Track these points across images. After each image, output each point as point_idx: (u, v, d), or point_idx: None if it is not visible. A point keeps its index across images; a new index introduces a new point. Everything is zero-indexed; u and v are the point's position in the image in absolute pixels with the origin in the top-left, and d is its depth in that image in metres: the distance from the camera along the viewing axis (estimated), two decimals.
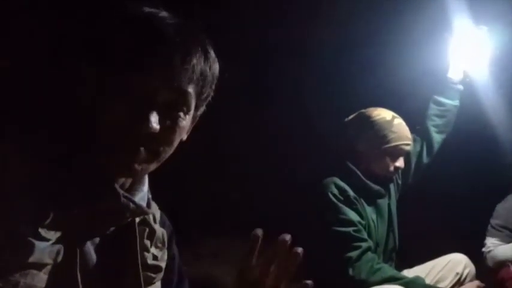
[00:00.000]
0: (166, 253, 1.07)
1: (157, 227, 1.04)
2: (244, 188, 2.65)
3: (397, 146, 2.20)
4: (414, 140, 2.46)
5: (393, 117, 2.24)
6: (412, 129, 2.35)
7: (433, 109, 2.54)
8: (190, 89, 0.88)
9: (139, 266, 0.98)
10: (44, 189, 0.82)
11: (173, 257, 1.12)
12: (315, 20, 2.56)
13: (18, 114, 0.96)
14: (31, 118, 0.92)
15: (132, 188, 0.95)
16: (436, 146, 2.53)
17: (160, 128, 0.86)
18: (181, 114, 0.90)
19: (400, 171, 2.33)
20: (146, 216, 1.01)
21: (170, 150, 0.93)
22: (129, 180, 0.96)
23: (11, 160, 0.83)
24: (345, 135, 2.27)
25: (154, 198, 1.06)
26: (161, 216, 1.09)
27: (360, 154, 2.21)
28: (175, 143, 0.93)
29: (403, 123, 2.26)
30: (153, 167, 0.93)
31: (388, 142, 2.18)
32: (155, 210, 1.07)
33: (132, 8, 0.88)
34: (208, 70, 0.91)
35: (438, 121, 2.54)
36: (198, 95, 0.92)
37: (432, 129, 2.52)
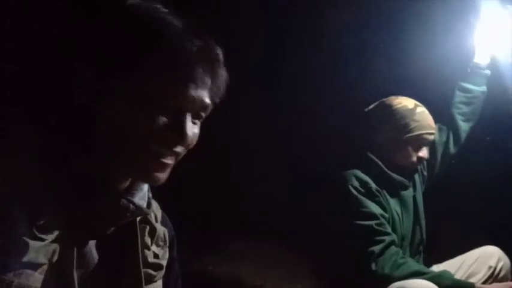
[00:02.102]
0: (167, 252, 1.08)
1: (158, 225, 1.05)
2: (261, 183, 2.62)
3: (419, 135, 2.13)
4: (440, 129, 2.39)
5: (415, 106, 2.17)
6: (437, 118, 2.27)
7: (459, 96, 2.44)
8: (212, 101, 0.92)
9: (141, 264, 0.98)
10: (40, 189, 0.82)
11: (173, 261, 1.12)
12: (328, 9, 2.49)
13: (19, 114, 0.94)
14: (32, 118, 0.92)
15: (133, 188, 0.95)
16: (463, 134, 2.43)
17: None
18: (201, 120, 0.94)
19: (425, 161, 2.26)
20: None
21: None
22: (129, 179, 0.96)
23: (8, 159, 0.83)
24: (366, 126, 2.21)
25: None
26: (163, 216, 1.10)
27: (382, 144, 2.14)
28: None
29: (426, 111, 2.18)
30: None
31: (410, 131, 2.11)
32: (156, 210, 1.08)
33: (148, 17, 0.87)
34: (224, 85, 0.95)
35: (465, 109, 2.44)
36: (213, 103, 0.95)
37: (458, 118, 2.42)
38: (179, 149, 0.90)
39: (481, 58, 2.44)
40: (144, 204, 0.95)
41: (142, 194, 0.96)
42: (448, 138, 2.41)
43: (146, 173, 0.89)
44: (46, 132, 0.88)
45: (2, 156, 0.84)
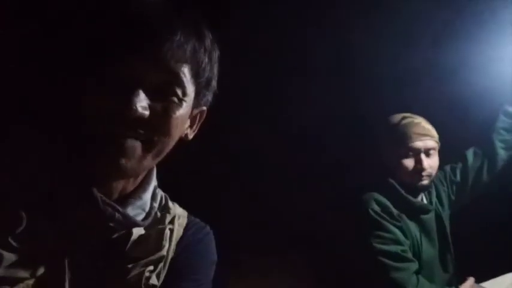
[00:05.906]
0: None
1: (172, 245, 0.95)
2: (276, 204, 2.58)
3: (406, 145, 2.03)
4: (475, 154, 2.29)
5: (402, 118, 2.09)
6: (475, 142, 2.19)
7: (502, 122, 2.31)
8: (183, 69, 0.81)
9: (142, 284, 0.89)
10: (16, 197, 0.77)
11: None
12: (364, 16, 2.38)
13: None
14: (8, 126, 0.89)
15: (130, 195, 0.88)
16: (500, 163, 2.29)
17: (151, 114, 0.79)
18: (175, 98, 0.82)
19: (431, 171, 2.08)
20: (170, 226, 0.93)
21: (168, 142, 0.84)
22: (129, 187, 0.89)
23: None
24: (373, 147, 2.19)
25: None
26: (188, 226, 1.00)
27: (387, 166, 2.09)
28: (173, 133, 0.84)
29: (415, 120, 2.07)
30: (148, 162, 0.84)
31: (396, 145, 2.05)
32: (182, 217, 0.99)
33: None
34: (202, 51, 0.84)
35: (507, 136, 2.30)
36: (195, 77, 0.84)
37: (498, 145, 2.29)
38: (134, 125, 0.78)
39: None
40: (139, 214, 0.88)
41: (141, 203, 0.89)
42: (482, 164, 2.29)
43: (109, 160, 0.78)
44: (27, 140, 0.85)
45: None
